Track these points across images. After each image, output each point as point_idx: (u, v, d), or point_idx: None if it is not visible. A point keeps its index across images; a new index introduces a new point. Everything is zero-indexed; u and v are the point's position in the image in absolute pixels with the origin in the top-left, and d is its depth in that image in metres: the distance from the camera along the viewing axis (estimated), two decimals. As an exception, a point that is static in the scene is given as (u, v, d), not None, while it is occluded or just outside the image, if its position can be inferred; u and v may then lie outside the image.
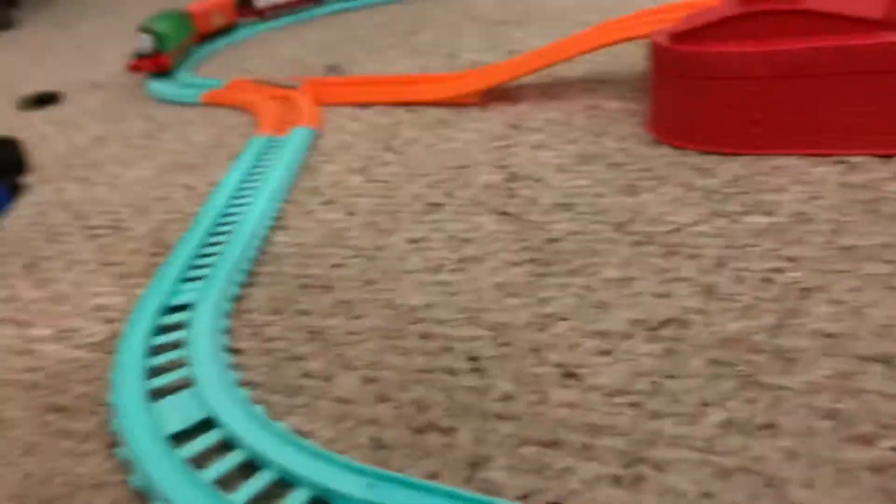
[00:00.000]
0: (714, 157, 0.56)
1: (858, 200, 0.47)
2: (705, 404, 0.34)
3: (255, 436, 0.36)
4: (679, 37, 0.58)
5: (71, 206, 0.73)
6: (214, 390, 0.40)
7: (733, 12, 0.54)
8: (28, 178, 0.82)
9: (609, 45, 0.73)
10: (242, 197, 0.65)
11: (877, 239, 0.43)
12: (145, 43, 1.10)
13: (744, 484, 0.30)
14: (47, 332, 0.52)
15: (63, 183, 0.79)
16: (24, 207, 0.75)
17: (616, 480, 0.32)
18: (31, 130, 1.02)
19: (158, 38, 1.10)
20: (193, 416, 0.39)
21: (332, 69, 0.99)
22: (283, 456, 0.35)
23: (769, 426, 0.33)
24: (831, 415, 0.32)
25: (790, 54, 0.52)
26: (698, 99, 0.57)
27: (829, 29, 0.52)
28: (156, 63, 1.11)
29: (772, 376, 0.35)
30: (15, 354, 0.50)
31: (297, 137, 0.75)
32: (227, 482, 0.35)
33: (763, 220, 0.48)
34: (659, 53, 0.60)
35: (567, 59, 0.74)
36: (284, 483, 0.34)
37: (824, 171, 0.52)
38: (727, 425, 0.33)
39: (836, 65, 0.51)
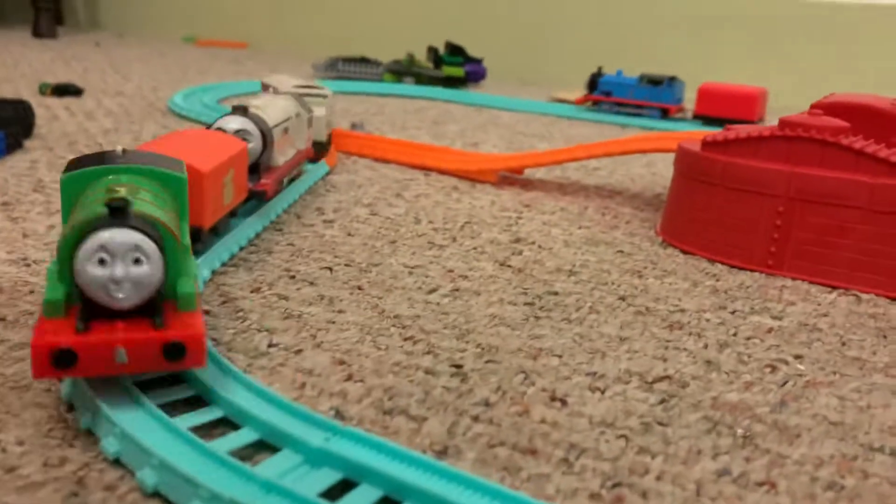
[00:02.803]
0: (722, 266, 0.56)
1: (866, 325, 0.46)
2: (699, 452, 0.32)
3: (206, 372, 0.33)
4: (711, 144, 0.58)
5: (65, 170, 0.70)
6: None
7: (770, 132, 0.56)
8: (30, 142, 0.80)
9: (631, 152, 0.74)
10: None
11: (884, 357, 0.42)
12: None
13: (735, 528, 0.27)
14: (6, 255, 0.48)
15: (64, 152, 0.77)
16: (17, 161, 0.72)
17: (595, 496, 0.28)
18: (45, 110, 1.00)
19: None
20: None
21: (356, 126, 0.99)
22: (234, 393, 0.31)
23: (767, 484, 0.30)
24: (834, 487, 0.30)
25: (816, 181, 0.53)
26: (718, 208, 0.57)
27: (856, 165, 0.52)
28: None
29: (772, 443, 0.33)
30: (-34, 267, 0.46)
31: (308, 166, 0.75)
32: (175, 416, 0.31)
33: (769, 321, 0.46)
34: (686, 159, 0.61)
35: (589, 157, 0.75)
36: (230, 421, 0.31)
37: (833, 297, 0.51)
38: (721, 473, 0.30)
39: (857, 199, 0.52)
